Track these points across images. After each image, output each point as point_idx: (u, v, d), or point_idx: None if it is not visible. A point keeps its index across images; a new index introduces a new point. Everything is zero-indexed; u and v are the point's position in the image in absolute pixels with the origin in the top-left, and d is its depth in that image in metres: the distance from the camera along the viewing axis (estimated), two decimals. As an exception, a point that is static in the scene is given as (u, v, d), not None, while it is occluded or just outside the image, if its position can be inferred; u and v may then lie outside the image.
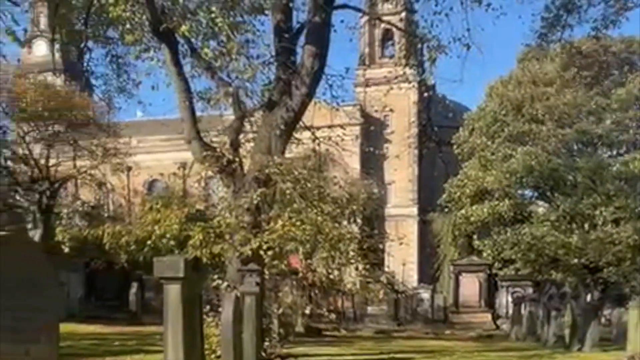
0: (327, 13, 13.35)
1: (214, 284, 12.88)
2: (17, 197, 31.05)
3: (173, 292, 7.32)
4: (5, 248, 4.58)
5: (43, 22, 41.25)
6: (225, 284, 12.73)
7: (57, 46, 19.42)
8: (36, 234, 27.09)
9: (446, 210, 41.37)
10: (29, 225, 28.82)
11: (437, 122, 55.52)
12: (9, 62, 29.74)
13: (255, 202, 12.99)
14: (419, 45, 14.46)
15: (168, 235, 14.78)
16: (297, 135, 14.87)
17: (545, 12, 15.54)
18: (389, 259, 51.53)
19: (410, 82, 51.90)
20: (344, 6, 14.33)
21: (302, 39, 13.67)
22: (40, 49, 56.61)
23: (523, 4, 15.09)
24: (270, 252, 12.76)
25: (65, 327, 21.99)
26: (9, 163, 31.76)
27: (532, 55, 36.71)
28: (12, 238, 4.72)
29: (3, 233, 4.68)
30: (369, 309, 33.89)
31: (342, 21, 14.71)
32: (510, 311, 29.65)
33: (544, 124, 35.37)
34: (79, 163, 34.08)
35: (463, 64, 13.90)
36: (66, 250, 24.65)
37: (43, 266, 5.03)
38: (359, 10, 15.88)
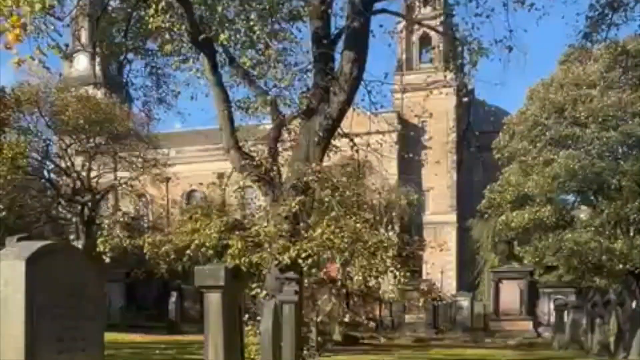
0: (366, 18, 13.21)
1: (253, 292, 12.90)
2: (60, 209, 31.70)
3: (214, 301, 7.40)
4: (53, 256, 4.61)
5: (84, 36, 42.06)
6: (264, 292, 12.73)
7: (97, 59, 19.74)
8: (78, 245, 27.51)
9: (486, 216, 40.83)
10: (72, 236, 29.38)
11: (476, 127, 54.90)
12: (52, 77, 30.45)
13: (293, 210, 12.94)
14: (460, 49, 14.27)
15: (207, 245, 14.82)
16: (335, 142, 14.76)
17: (590, 10, 14.98)
18: (428, 266, 51.14)
19: (449, 87, 51.56)
20: (383, 11, 14.15)
21: (340, 45, 13.59)
22: (81, 63, 57.67)
23: (566, 3, 14.85)
24: (309, 261, 12.69)
25: (107, 336, 22.36)
26: (52, 176, 32.39)
27: (574, 57, 36.00)
28: (59, 247, 4.77)
29: (50, 242, 4.74)
30: (407, 317, 33.61)
31: (381, 26, 14.61)
32: (552, 319, 29.12)
33: (587, 127, 34.63)
34: (119, 174, 34.71)
35: (504, 67, 13.64)
36: (107, 260, 24.86)
37: (90, 275, 5.06)
38: (397, 14, 15.74)
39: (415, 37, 59.93)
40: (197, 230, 15.13)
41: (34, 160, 29.89)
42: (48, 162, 31.79)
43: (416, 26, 56.61)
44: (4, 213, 19.84)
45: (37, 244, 4.57)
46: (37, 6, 6.47)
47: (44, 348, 4.42)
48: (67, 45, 30.10)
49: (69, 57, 50.50)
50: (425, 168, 58.06)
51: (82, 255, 5.42)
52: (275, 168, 13.81)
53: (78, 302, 4.79)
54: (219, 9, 11.79)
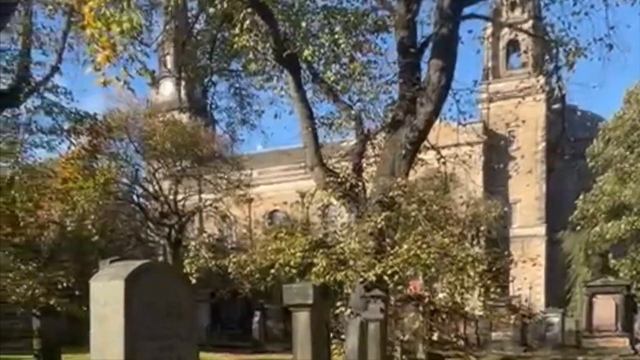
0: (455, 23, 12.81)
1: (337, 311, 12.72)
2: (149, 232, 32.57)
3: (302, 319, 7.39)
4: (150, 276, 4.57)
5: (169, 61, 43.44)
6: (349, 310, 12.50)
7: (182, 83, 20.23)
8: (166, 268, 28.14)
9: (578, 228, 39.29)
10: (160, 259, 30.08)
11: (568, 134, 52.82)
12: (140, 103, 31.48)
13: (379, 226, 12.70)
14: (554, 50, 13.65)
15: (291, 264, 14.65)
16: (420, 155, 14.46)
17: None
18: (515, 281, 49.59)
19: (540, 93, 49.95)
20: (472, 16, 13.74)
21: (426, 54, 13.29)
22: (167, 89, 59.52)
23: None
24: (395, 278, 12.36)
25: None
26: (141, 200, 33.34)
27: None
28: (156, 266, 4.73)
29: (147, 261, 4.71)
30: (494, 334, 32.55)
31: (470, 31, 14.23)
32: (652, 335, 27.54)
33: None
34: (204, 196, 35.36)
35: (604, 67, 12.92)
36: (193, 281, 25.38)
37: (184, 294, 4.97)
38: (487, 19, 15.25)
39: (502, 44, 58.41)
40: (281, 249, 15.15)
41: (124, 186, 30.83)
42: (137, 187, 32.76)
43: (503, 32, 55.40)
44: (96, 237, 20.47)
45: (135, 264, 4.55)
46: (126, 26, 6.55)
47: (142, 369, 4.38)
48: (153, 72, 31.11)
49: (155, 83, 52.41)
50: (512, 179, 56.40)
51: (176, 274, 5.35)
52: (360, 184, 13.64)
53: (174, 322, 4.73)
54: (303, 24, 11.77)
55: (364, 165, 14.58)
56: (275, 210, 56.31)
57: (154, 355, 4.52)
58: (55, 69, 20.33)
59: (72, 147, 22.51)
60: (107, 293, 4.33)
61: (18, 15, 19.22)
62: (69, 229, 19.51)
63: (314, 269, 13.43)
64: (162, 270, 4.97)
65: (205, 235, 36.03)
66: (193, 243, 30.19)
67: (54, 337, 15.69)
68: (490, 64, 58.16)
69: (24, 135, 20.99)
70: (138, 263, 4.55)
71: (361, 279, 12.58)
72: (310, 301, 7.36)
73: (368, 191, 13.80)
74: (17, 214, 13.89)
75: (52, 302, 13.75)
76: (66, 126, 21.71)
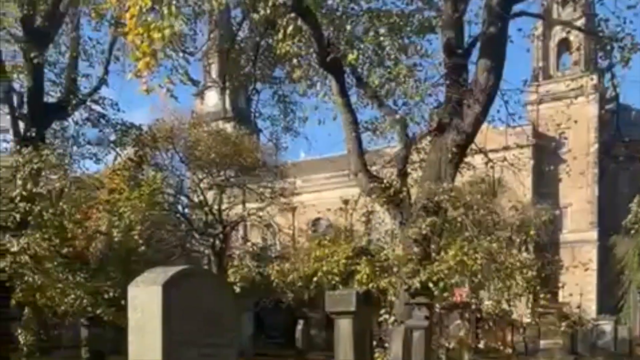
0: (504, 22, 12.46)
1: (381, 318, 12.51)
2: (194, 242, 32.75)
3: (344, 326, 7.36)
4: (189, 282, 4.47)
5: (214, 71, 43.81)
6: (393, 318, 12.28)
7: (227, 92, 20.37)
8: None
9: (632, 232, 38.18)
10: (205, 268, 30.20)
11: (622, 134, 51.36)
12: (185, 113, 31.73)
13: (424, 232, 12.42)
14: (608, 47, 13.18)
15: (334, 271, 14.47)
16: (467, 159, 14.15)
17: None
18: (566, 288, 48.41)
19: (592, 93, 48.62)
20: (522, 13, 13.32)
21: (474, 54, 12.96)
22: (212, 99, 60.16)
23: None
24: (440, 284, 12.02)
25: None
26: (186, 210, 33.59)
27: None
28: (196, 272, 4.65)
29: (186, 266, 4.62)
30: (542, 342, 31.78)
31: (519, 30, 13.89)
32: None
33: None
34: (248, 205, 35.34)
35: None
36: (237, 290, 25.40)
37: (226, 301, 4.88)
38: (537, 16, 14.82)
39: (553, 43, 57.21)
40: (324, 257, 14.96)
41: (169, 196, 31.00)
42: (182, 197, 32.96)
43: (554, 31, 54.25)
44: (143, 247, 20.66)
45: (173, 269, 4.46)
46: (167, 32, 6.53)
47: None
48: (198, 82, 31.51)
49: (200, 92, 53.06)
50: (563, 182, 55.01)
51: (218, 281, 5.27)
52: (404, 189, 13.40)
53: (214, 329, 4.63)
54: (348, 27, 11.61)
55: (409, 170, 14.29)
56: (318, 218, 56.07)
57: None
58: (102, 81, 20.73)
59: (119, 159, 22.90)
60: (145, 299, 4.25)
61: (65, 27, 19.60)
62: (116, 239, 19.67)
63: (357, 276, 13.19)
64: (203, 277, 4.87)
65: (249, 244, 36.24)
66: (237, 252, 30.41)
67: (101, 346, 15.86)
68: (540, 64, 56.98)
69: (72, 147, 21.51)
70: (178, 269, 4.44)
71: (405, 286, 12.33)
72: (352, 308, 7.27)
73: (413, 197, 13.57)
74: (65, 226, 14.10)
75: (99, 312, 13.89)
76: (112, 137, 22.10)
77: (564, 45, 55.25)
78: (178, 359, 4.28)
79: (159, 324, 4.18)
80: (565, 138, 56.22)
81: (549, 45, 56.98)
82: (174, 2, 7.47)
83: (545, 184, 52.40)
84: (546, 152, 51.52)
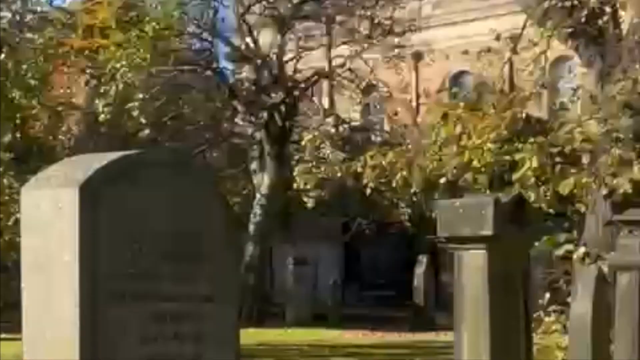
0: None
1: (559, 251, 12.33)
2: (237, 120, 32.41)
3: (471, 264, 6.94)
4: (136, 181, 4.18)
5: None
6: (581, 250, 11.83)
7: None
8: (263, 179, 27.94)
9: None
10: (253, 166, 29.70)
11: None
12: None
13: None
14: None
15: (477, 164, 14.44)
16: None
17: None
18: None
19: None
20: None
21: None
22: None
23: None
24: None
25: (308, 335, 22.37)
26: (224, 65, 32.71)
27: None
28: (149, 160, 4.41)
29: (129, 153, 4.31)
30: None
31: None
32: None
33: None
34: (333, 53, 33.41)
35: None
36: (310, 204, 24.42)
37: (215, 215, 4.59)
38: None
39: None
40: (460, 138, 14.86)
41: (192, 39, 29.63)
42: (216, 42, 31.10)
43: None
44: (147, 131, 20.62)
45: (105, 158, 4.11)
46: None
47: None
48: None
49: None
50: None
51: (201, 177, 4.85)
52: (605, 10, 12.70)
53: (185, 269, 4.32)
54: None
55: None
56: (462, 72, 53.13)
57: (143, 329, 4.13)
58: None
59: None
60: (48, 212, 3.92)
61: None
62: (102, 118, 19.60)
63: (516, 174, 13.13)
64: (165, 168, 4.40)
65: (329, 120, 34.27)
66: (310, 137, 28.95)
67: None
68: None
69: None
70: (112, 156, 4.15)
71: (606, 191, 11.77)
72: (487, 230, 6.61)
73: (624, 26, 12.90)
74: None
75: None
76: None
77: None
78: (113, 323, 3.95)
79: (75, 261, 3.84)
80: None
81: None
82: None
83: None
84: None
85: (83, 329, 3.77)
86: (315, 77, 31.79)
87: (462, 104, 17.03)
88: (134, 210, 4.07)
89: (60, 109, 20.34)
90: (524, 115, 15.63)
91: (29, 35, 16.70)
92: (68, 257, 3.82)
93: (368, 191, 17.84)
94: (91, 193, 3.84)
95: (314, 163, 23.13)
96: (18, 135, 14.87)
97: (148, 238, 4.14)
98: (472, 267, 6.80)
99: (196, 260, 4.38)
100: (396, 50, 34.03)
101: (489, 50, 22.40)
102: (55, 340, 3.82)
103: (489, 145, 14.35)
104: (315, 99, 36.00)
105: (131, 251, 4.03)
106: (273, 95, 29.02)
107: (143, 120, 20.76)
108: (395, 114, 39.65)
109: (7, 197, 13.94)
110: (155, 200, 4.19)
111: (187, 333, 4.30)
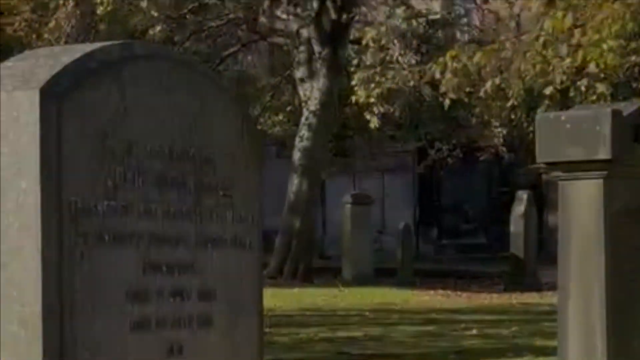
0: None
1: None
2: (278, 13, 32.32)
3: (584, 200, 6.81)
4: (111, 82, 4.05)
5: None
6: None
7: None
8: (313, 91, 27.88)
9: None
10: (298, 73, 29.74)
11: None
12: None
13: None
14: None
15: (595, 68, 14.35)
16: None
17: None
18: None
19: None
20: None
21: None
22: None
23: None
24: None
25: (373, 294, 22.48)
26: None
27: None
28: (125, 53, 4.20)
29: (100, 45, 4.21)
30: None
31: None
32: None
33: None
34: None
35: None
36: (374, 124, 24.22)
37: (224, 128, 4.66)
38: None
39: None
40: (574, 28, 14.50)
41: None
42: None
43: None
44: (159, 28, 20.90)
45: (79, 50, 4.06)
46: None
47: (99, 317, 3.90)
48: None
49: None
50: None
51: (203, 75, 4.75)
52: None
53: (188, 201, 4.36)
54: None
55: None
56: None
57: (131, 283, 4.08)
58: None
59: None
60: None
61: None
62: (101, 11, 19.81)
63: None
64: (161, 64, 4.37)
65: (399, 12, 34.20)
66: (374, 34, 28.87)
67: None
68: None
69: None
70: (88, 48, 4.09)
71: None
72: (604, 154, 6.41)
73: None
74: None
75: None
76: None
77: None
78: (86, 272, 3.87)
79: (36, 185, 3.75)
80: None
81: None
82: None
83: None
84: None
85: (46, 285, 3.67)
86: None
87: None
88: (116, 122, 3.99)
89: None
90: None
91: None
92: (26, 184, 3.75)
93: (448, 103, 17.62)
94: (57, 97, 3.76)
95: (379, 69, 22.76)
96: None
97: (135, 159, 4.08)
98: (584, 202, 6.69)
99: (201, 190, 4.40)
100: None
101: None
102: (6, 299, 3.73)
103: (610, 42, 14.09)
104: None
105: (112, 177, 3.98)
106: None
107: (155, 14, 20.71)
108: (487, 2, 39.25)
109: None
110: (147, 108, 4.15)
111: (189, 288, 4.28)
